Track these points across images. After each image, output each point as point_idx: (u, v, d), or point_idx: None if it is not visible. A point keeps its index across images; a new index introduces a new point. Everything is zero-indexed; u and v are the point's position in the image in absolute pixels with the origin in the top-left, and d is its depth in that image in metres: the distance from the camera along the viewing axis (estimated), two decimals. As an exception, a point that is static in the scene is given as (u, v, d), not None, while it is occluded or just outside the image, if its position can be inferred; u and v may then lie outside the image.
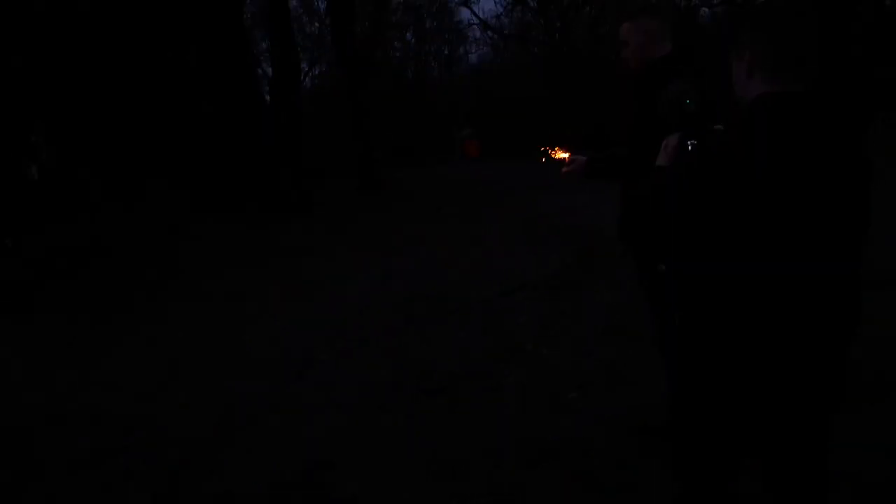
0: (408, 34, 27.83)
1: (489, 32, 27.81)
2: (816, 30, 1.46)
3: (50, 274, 8.73)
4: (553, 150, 2.74)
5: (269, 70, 14.82)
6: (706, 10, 22.09)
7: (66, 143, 13.99)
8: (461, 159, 22.05)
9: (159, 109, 11.31)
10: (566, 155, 2.68)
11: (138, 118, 11.46)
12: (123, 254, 9.06)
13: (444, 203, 10.95)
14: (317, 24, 24.48)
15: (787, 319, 1.40)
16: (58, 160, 14.94)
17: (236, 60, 10.77)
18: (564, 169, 2.66)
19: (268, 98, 12.80)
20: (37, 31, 10.49)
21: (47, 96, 11.74)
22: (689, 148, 1.54)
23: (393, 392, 3.83)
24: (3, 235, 12.57)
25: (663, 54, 2.49)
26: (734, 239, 1.38)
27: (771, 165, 1.34)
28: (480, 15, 35.48)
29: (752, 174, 1.34)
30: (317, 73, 27.51)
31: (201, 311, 6.24)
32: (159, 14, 11.10)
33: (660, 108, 1.70)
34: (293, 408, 3.82)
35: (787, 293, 1.39)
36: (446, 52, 29.51)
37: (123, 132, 11.71)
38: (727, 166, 1.37)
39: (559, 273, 5.85)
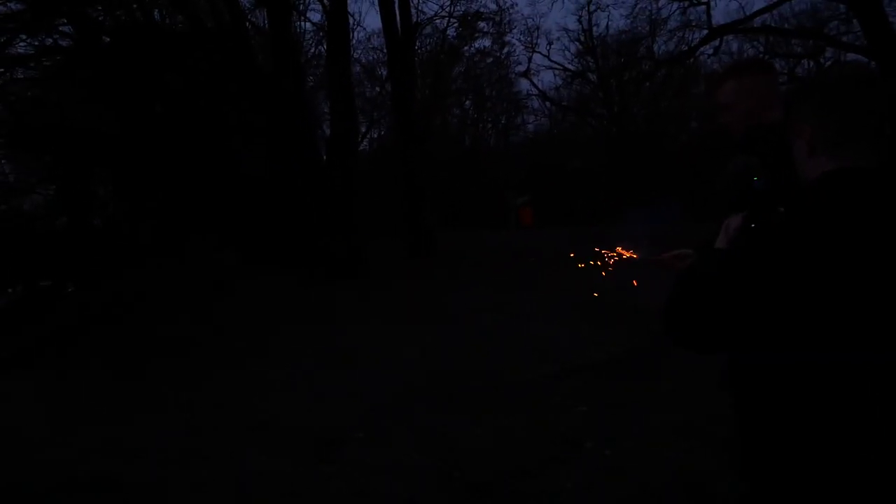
0: (466, 102, 28.29)
1: (548, 103, 28.09)
2: (886, 100, 1.29)
3: (94, 321, 8.75)
4: (615, 251, 2.26)
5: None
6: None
7: (128, 197, 14.56)
8: (516, 226, 21.84)
9: (216, 169, 11.61)
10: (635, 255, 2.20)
11: (195, 176, 11.82)
12: (166, 308, 9.00)
13: (495, 270, 10.50)
14: (377, 89, 25.15)
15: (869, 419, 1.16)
16: (120, 213, 15.57)
17: (293, 122, 10.96)
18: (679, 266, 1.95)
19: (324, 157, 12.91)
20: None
21: (119, 154, 12.30)
22: (753, 231, 1.38)
23: (431, 486, 3.36)
24: (66, 282, 13.01)
25: (774, 121, 1.86)
26: (799, 330, 1.20)
27: (840, 251, 1.18)
28: (539, 86, 35.83)
29: (818, 261, 1.18)
30: (375, 135, 28.10)
31: (233, 373, 6.02)
32: (222, 81, 11.55)
33: (721, 184, 1.52)
34: (315, 495, 3.43)
35: (865, 386, 1.17)
36: (504, 120, 29.77)
37: (180, 189, 12.06)
38: (791, 252, 1.21)
39: (622, 356, 5.27)
